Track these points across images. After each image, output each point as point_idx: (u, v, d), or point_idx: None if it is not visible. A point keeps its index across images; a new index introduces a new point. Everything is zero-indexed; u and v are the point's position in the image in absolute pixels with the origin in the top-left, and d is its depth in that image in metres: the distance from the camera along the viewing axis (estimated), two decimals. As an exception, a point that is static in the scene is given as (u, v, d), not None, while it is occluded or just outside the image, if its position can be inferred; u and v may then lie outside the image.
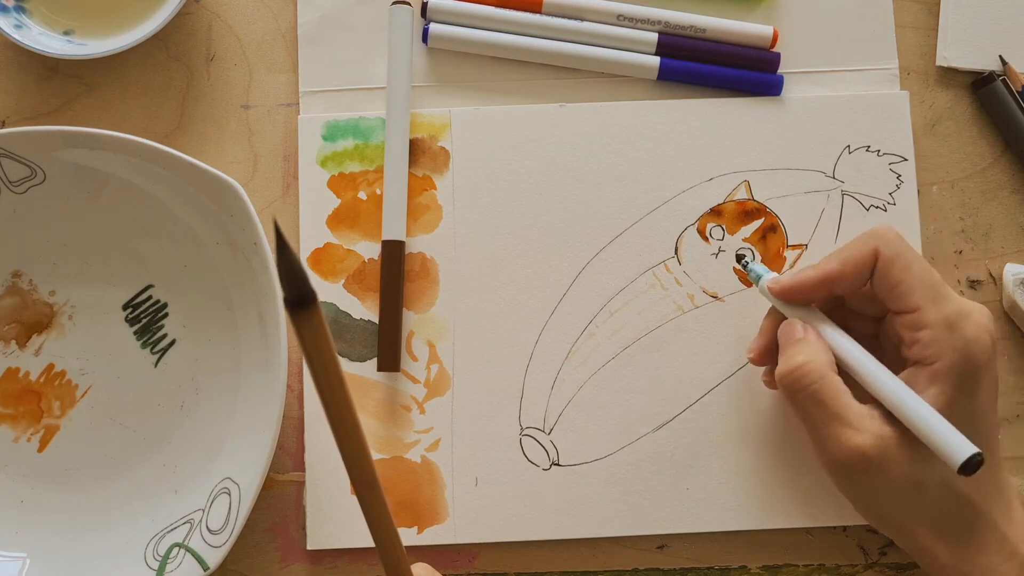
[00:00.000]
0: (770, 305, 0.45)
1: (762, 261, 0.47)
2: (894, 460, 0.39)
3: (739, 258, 0.47)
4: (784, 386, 0.41)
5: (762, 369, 0.46)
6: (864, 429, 0.39)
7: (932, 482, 0.40)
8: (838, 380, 0.40)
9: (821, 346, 0.41)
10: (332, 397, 0.29)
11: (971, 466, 0.37)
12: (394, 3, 0.48)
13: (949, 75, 0.50)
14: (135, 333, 0.47)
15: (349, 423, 0.29)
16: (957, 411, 0.39)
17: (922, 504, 0.40)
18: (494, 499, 0.46)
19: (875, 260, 0.41)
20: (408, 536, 0.45)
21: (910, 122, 0.48)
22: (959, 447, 0.37)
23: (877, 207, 0.48)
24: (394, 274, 0.46)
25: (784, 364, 0.41)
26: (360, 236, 0.47)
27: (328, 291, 0.47)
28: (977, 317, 0.40)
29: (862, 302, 0.43)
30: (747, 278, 0.47)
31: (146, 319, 0.47)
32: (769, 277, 0.44)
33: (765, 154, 0.48)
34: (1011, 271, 0.47)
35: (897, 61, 0.49)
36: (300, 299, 0.26)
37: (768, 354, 0.44)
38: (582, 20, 0.49)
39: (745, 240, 0.48)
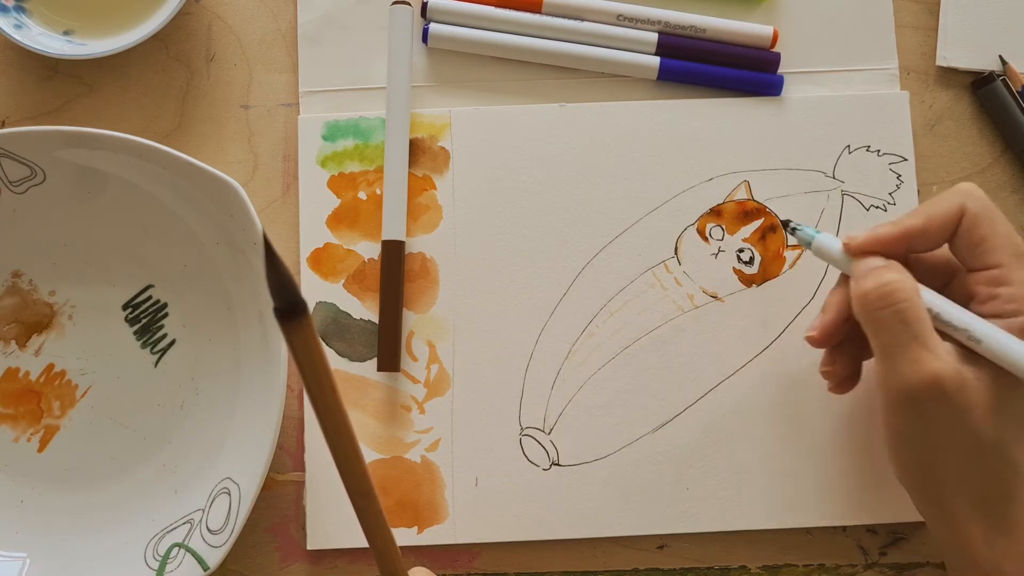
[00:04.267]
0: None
1: (762, 263, 0.47)
2: (965, 398, 0.38)
3: (785, 224, 0.44)
4: (870, 300, 0.39)
5: (762, 372, 0.46)
6: (944, 358, 0.38)
7: (988, 438, 0.38)
8: (925, 306, 0.39)
9: (909, 274, 0.40)
10: (324, 405, 0.29)
11: None
12: (394, 3, 0.48)
13: (949, 75, 0.50)
14: (135, 333, 0.47)
15: (342, 432, 0.29)
16: None
17: (972, 462, 0.39)
18: (494, 499, 0.46)
19: (960, 216, 0.40)
20: (408, 536, 0.45)
21: (910, 122, 0.48)
22: None
23: (877, 207, 0.48)
24: (394, 274, 0.46)
25: (872, 280, 0.39)
26: (360, 236, 0.47)
27: (328, 291, 0.47)
28: None
29: (925, 272, 0.42)
30: (746, 277, 0.47)
31: (146, 319, 0.47)
32: (824, 236, 0.42)
33: (765, 154, 0.48)
34: (1011, 271, 0.47)
35: (897, 61, 0.49)
36: (290, 308, 0.26)
37: (832, 333, 0.42)
38: (582, 20, 0.49)
39: (745, 240, 0.48)
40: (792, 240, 0.47)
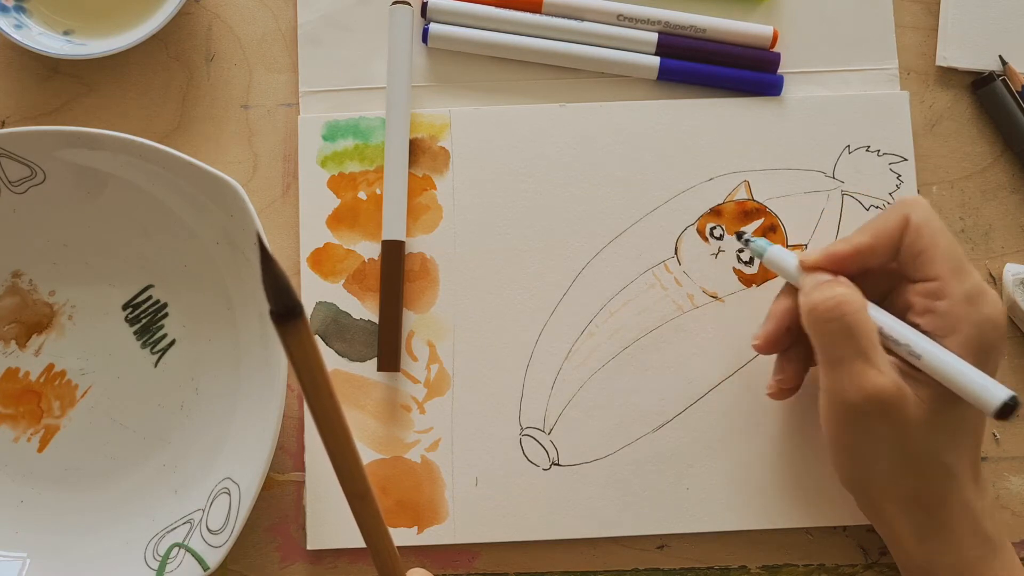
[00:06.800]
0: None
1: (762, 263, 0.47)
2: (904, 413, 0.38)
3: (739, 235, 0.46)
4: (818, 314, 0.39)
5: (762, 371, 0.46)
6: (887, 373, 0.38)
7: (922, 448, 0.39)
8: (871, 321, 0.39)
9: (857, 289, 0.40)
10: (321, 408, 0.29)
11: (1007, 410, 0.36)
12: (394, 3, 0.48)
13: (949, 75, 0.50)
14: (135, 333, 0.47)
15: (339, 434, 0.29)
16: None
17: (904, 469, 0.40)
18: (494, 499, 0.46)
19: (905, 228, 0.40)
20: (408, 536, 0.45)
21: (910, 122, 0.48)
22: (994, 391, 0.37)
23: (877, 207, 0.48)
24: (394, 274, 0.46)
25: (820, 293, 0.40)
26: (360, 236, 0.47)
27: (328, 291, 0.47)
28: (993, 297, 0.40)
29: (873, 281, 0.43)
30: (746, 277, 0.47)
31: (146, 319, 0.47)
32: (776, 248, 0.43)
33: (765, 154, 0.48)
34: (1011, 271, 0.47)
35: (897, 61, 0.49)
36: (286, 312, 0.26)
37: (775, 341, 0.43)
38: (582, 20, 0.49)
39: (745, 240, 0.48)
40: (792, 240, 0.47)
